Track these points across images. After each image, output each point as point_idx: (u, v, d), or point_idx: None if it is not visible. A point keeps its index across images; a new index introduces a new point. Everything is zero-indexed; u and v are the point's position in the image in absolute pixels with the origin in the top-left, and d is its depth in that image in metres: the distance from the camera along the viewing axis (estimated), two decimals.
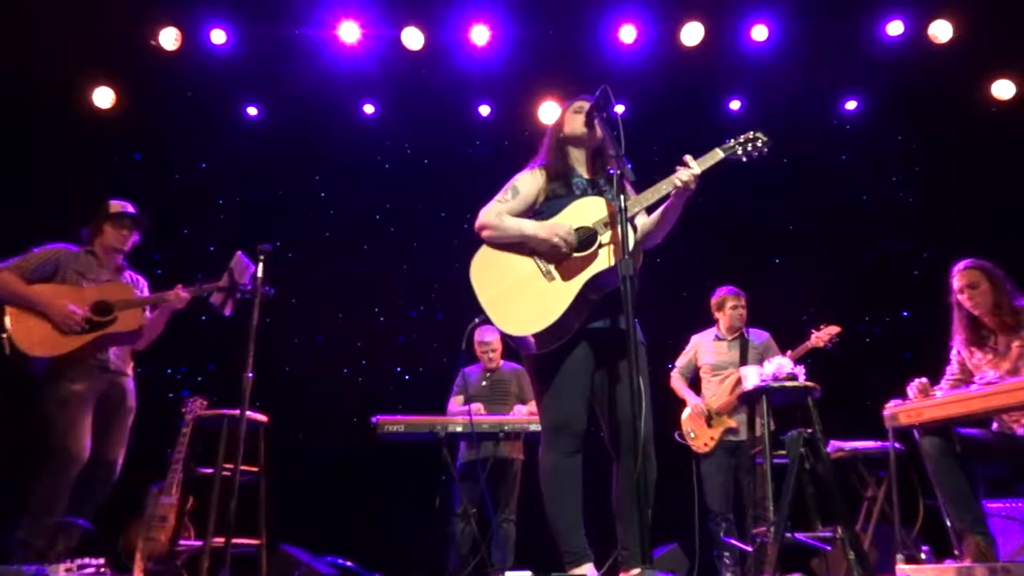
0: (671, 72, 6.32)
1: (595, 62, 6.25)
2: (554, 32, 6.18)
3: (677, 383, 5.01)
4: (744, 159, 2.69)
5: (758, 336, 4.92)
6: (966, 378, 3.52)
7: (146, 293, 4.01)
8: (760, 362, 4.35)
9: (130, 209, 3.95)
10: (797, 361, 4.47)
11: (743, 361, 4.76)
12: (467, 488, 4.65)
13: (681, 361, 5.08)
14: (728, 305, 4.91)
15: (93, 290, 3.80)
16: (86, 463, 3.61)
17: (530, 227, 2.66)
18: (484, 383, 5.03)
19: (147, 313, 3.91)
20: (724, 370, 4.82)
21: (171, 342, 6.03)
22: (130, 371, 3.97)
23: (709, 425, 4.76)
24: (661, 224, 2.76)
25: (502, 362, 5.11)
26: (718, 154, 2.67)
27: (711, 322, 5.09)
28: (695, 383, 5.01)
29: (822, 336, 4.69)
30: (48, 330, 3.62)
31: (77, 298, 3.72)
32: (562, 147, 2.86)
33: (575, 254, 2.59)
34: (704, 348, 4.99)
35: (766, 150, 2.69)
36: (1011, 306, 3.40)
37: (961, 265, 3.53)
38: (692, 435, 4.81)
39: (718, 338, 4.96)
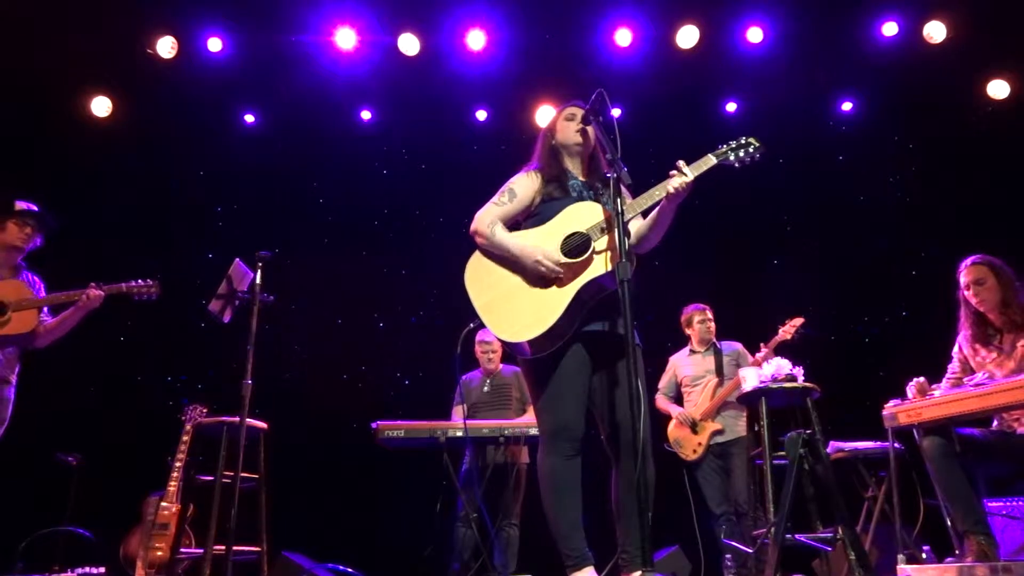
0: (667, 75, 6.33)
1: (591, 66, 6.27)
2: (550, 36, 6.19)
3: (662, 402, 5.18)
4: (737, 165, 2.69)
5: (729, 346, 5.11)
6: (967, 377, 3.51)
7: (43, 294, 3.83)
8: (736, 368, 4.67)
9: (35, 208, 3.82)
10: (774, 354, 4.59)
11: (719, 369, 4.96)
12: (470, 493, 4.64)
13: (663, 382, 5.26)
14: (696, 320, 5.14)
15: None
16: None
17: (517, 247, 2.65)
18: (485, 389, 5.02)
19: (45, 315, 3.77)
20: (702, 379, 5.01)
21: (171, 349, 6.10)
22: (13, 378, 3.71)
23: (695, 432, 4.90)
24: (654, 229, 2.76)
25: (501, 365, 5.11)
26: (711, 160, 2.66)
27: (685, 339, 5.26)
28: (679, 401, 5.16)
29: (788, 329, 4.89)
30: None
31: None
32: (555, 152, 2.87)
33: (569, 260, 2.59)
34: (681, 364, 5.19)
35: (759, 156, 2.68)
36: (1019, 303, 3.38)
37: (968, 261, 3.50)
38: (679, 444, 4.95)
39: (692, 352, 5.17)
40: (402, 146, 6.74)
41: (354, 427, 5.46)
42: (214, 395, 5.19)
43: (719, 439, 4.84)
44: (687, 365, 5.13)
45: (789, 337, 4.86)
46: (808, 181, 6.44)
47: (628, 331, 2.29)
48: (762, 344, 4.91)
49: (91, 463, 5.27)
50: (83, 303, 3.72)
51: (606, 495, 2.63)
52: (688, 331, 5.21)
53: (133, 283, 3.82)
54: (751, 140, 2.69)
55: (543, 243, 2.64)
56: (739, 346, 5.11)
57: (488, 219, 2.73)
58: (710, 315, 5.14)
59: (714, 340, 5.11)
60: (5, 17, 5.48)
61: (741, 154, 2.68)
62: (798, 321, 4.89)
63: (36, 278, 3.90)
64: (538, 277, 2.61)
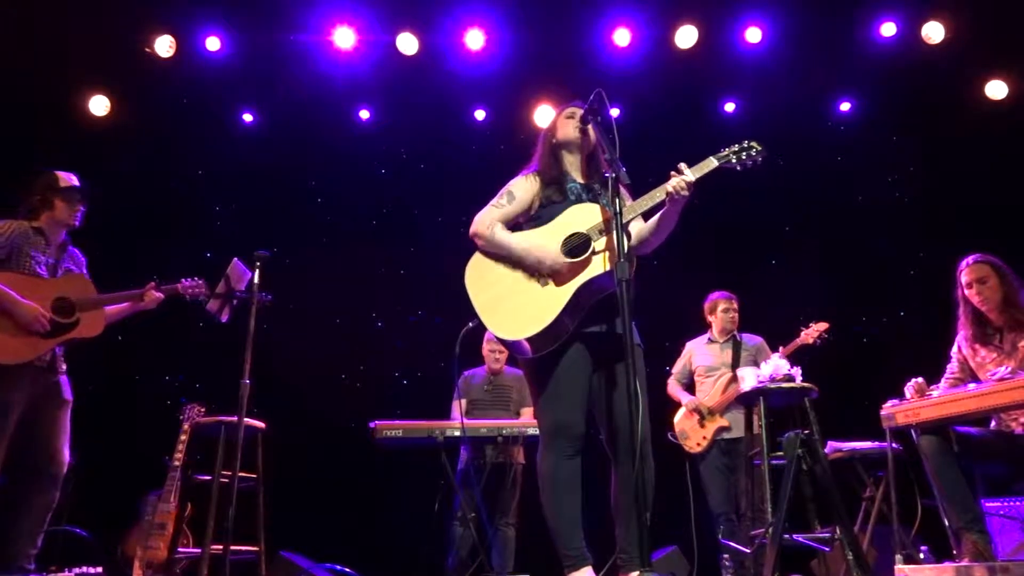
0: (666, 75, 6.34)
1: (590, 66, 6.27)
2: (549, 36, 6.19)
3: (673, 388, 5.10)
4: (738, 167, 2.70)
5: (751, 339, 5.02)
6: (966, 377, 3.50)
7: (85, 271, 3.66)
8: (754, 364, 4.50)
9: (77, 182, 3.65)
10: (791, 359, 4.54)
11: (736, 363, 4.85)
12: (466, 493, 4.64)
13: (676, 367, 5.18)
14: (720, 308, 5.03)
15: (50, 283, 3.41)
16: (27, 466, 3.28)
17: (519, 247, 2.66)
18: (487, 388, 5.02)
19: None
20: (717, 371, 4.91)
21: (169, 349, 6.09)
22: (65, 367, 3.55)
23: (702, 425, 4.84)
24: (656, 231, 2.77)
25: (506, 368, 5.11)
26: (712, 162, 2.67)
27: (706, 327, 5.18)
28: (691, 388, 5.09)
29: (811, 333, 4.81)
30: (7, 334, 3.18)
31: (37, 293, 3.28)
32: (555, 153, 2.87)
33: (568, 260, 2.59)
34: (698, 352, 5.09)
35: (760, 159, 2.69)
36: (1020, 303, 3.37)
37: (969, 259, 3.50)
38: (685, 435, 4.89)
39: (711, 341, 5.07)
40: (401, 146, 6.74)
41: (352, 427, 5.44)
42: (212, 395, 5.17)
43: (726, 435, 4.77)
44: (703, 354, 5.03)
45: (811, 341, 4.76)
46: (807, 181, 6.44)
47: (627, 331, 2.29)
48: (780, 346, 4.83)
49: (89, 462, 5.24)
50: (141, 304, 3.63)
51: (606, 495, 2.63)
52: (711, 318, 5.09)
53: (187, 282, 3.72)
54: (753, 143, 2.69)
55: (544, 243, 2.65)
56: (760, 340, 5.01)
57: (487, 221, 2.74)
58: (735, 305, 5.02)
59: (735, 332, 5.01)
60: (4, 16, 5.47)
61: (743, 157, 2.69)
62: (822, 326, 4.76)
63: (79, 253, 3.73)
64: (538, 276, 2.62)
